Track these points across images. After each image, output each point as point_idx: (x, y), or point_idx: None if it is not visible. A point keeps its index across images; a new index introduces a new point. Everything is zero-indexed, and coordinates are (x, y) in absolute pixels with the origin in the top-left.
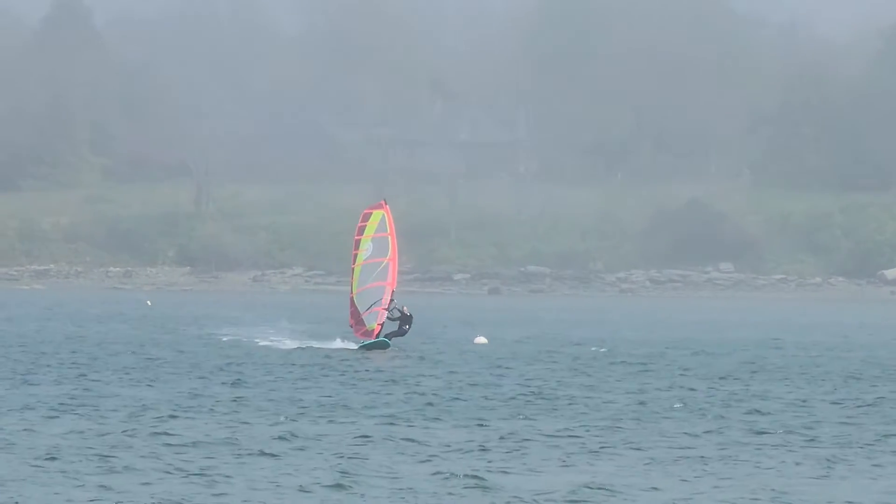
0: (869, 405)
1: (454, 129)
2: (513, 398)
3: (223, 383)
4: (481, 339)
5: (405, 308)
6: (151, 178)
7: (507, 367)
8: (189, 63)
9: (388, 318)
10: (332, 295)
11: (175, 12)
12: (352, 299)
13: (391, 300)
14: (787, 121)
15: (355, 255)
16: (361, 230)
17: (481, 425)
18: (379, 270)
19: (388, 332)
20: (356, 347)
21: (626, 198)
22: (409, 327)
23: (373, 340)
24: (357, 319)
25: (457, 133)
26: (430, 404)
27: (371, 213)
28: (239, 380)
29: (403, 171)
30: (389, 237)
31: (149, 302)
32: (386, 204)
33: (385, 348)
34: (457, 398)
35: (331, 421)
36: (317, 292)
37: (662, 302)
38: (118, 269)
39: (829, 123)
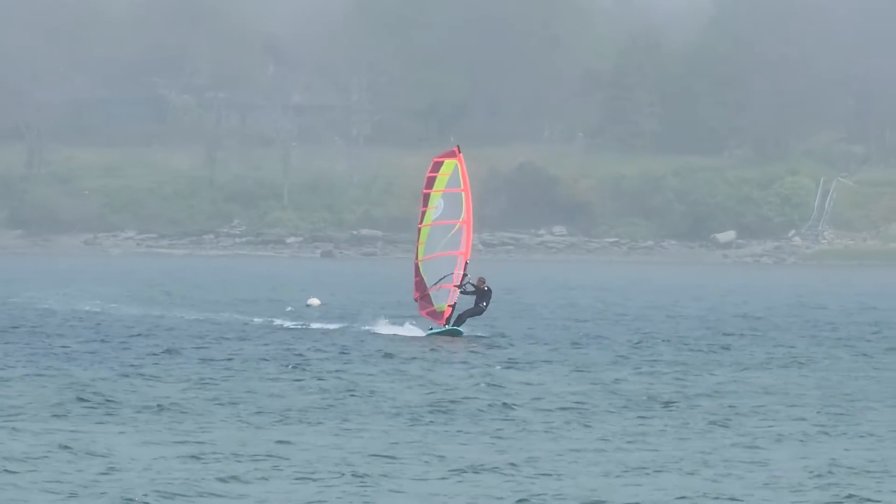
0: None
1: (287, 92)
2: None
3: None
4: (314, 301)
5: (482, 280)
6: None
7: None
8: (22, 26)
9: (461, 292)
10: (164, 258)
11: None
12: (417, 267)
13: (464, 274)
14: (621, 85)
15: (423, 213)
16: (431, 182)
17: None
18: (450, 236)
19: (462, 310)
20: (424, 335)
21: None
22: (487, 304)
23: (443, 328)
24: (423, 294)
25: (289, 96)
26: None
27: (442, 163)
28: None
29: (236, 135)
30: (463, 193)
31: None
32: (460, 152)
33: (458, 336)
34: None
35: None
36: (148, 255)
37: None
38: None
39: (662, 88)
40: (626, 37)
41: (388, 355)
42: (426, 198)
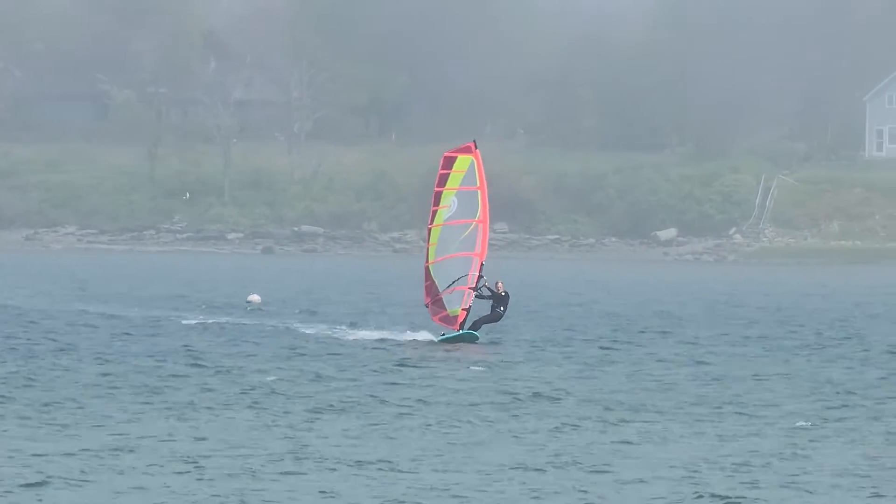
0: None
1: (228, 88)
2: None
3: None
4: (255, 298)
5: (499, 284)
6: None
7: None
8: None
9: (476, 297)
10: (103, 254)
11: None
12: (427, 270)
13: (479, 276)
14: (564, 83)
15: (434, 213)
16: (443, 180)
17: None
18: (465, 236)
19: (477, 316)
20: (436, 340)
21: (400, 158)
22: (505, 309)
23: (456, 333)
24: (434, 298)
25: (230, 92)
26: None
27: (455, 158)
28: None
29: (177, 130)
30: (479, 192)
31: None
32: (476, 147)
33: (473, 342)
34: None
35: None
36: (90, 251)
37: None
38: None
39: (605, 86)
40: (570, 35)
41: (291, 352)
42: (437, 196)
